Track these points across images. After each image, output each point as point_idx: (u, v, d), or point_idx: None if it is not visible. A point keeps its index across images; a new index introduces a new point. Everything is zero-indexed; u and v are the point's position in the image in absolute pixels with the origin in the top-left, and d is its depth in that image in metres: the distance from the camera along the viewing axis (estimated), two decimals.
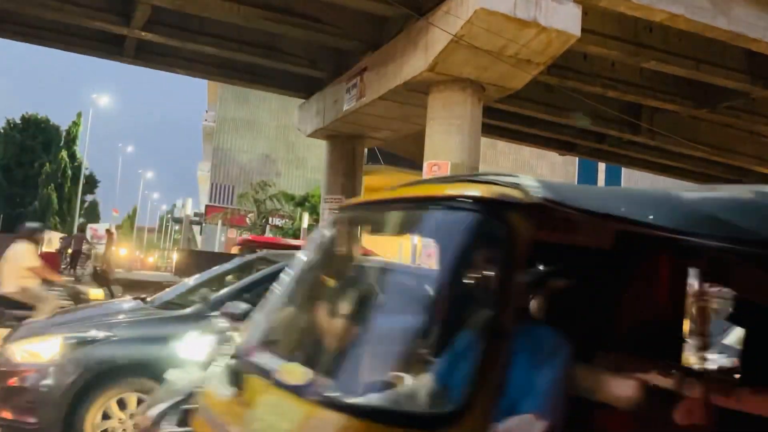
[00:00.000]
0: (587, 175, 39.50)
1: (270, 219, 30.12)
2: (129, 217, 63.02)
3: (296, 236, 26.80)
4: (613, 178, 39.95)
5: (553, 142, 18.87)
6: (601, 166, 38.34)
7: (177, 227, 64.68)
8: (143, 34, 12.85)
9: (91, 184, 32.43)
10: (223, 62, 14.85)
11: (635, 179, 38.82)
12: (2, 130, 35.22)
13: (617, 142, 17.66)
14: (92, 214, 36.60)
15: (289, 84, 15.80)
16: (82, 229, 23.47)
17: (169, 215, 71.58)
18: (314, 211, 26.18)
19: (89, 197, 33.61)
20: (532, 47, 9.50)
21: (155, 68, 15.37)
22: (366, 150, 18.51)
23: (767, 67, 12.38)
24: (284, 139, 36.41)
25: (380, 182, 31.63)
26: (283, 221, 29.84)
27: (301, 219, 25.09)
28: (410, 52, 10.67)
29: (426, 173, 10.70)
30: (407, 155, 29.26)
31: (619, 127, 16.16)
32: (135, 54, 14.24)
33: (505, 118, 16.15)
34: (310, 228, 24.38)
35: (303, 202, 28.38)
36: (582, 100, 14.24)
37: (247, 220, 32.76)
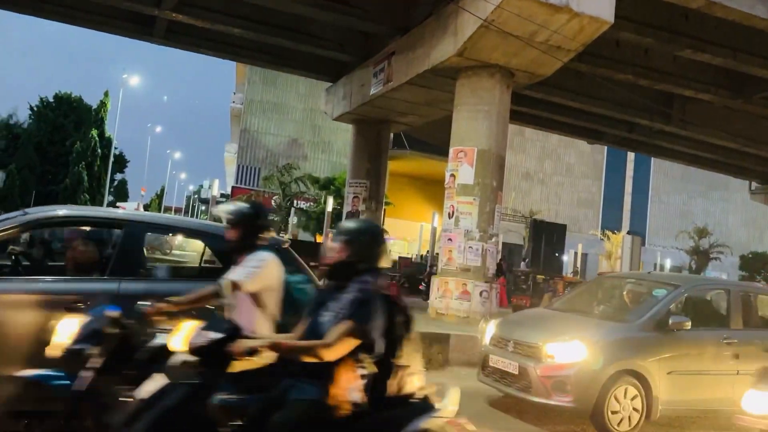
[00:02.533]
0: (616, 165, 38.90)
1: (295, 202, 30.25)
2: (157, 197, 63.84)
3: (320, 220, 26.89)
4: (642, 167, 39.31)
5: (581, 131, 18.61)
6: (630, 156, 37.71)
7: (203, 207, 65.40)
8: (173, 15, 12.92)
9: (120, 163, 32.93)
10: (252, 44, 14.88)
11: (665, 169, 38.16)
12: (36, 109, 35.95)
13: (647, 132, 17.34)
14: (121, 192, 37.17)
15: (316, 67, 15.78)
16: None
17: (196, 195, 72.44)
18: (339, 195, 26.22)
19: (118, 176, 34.12)
20: (563, 33, 9.35)
21: (185, 49, 15.47)
22: (392, 135, 18.46)
23: None
24: (311, 123, 36.43)
25: (406, 167, 31.56)
26: (308, 204, 29.93)
27: (325, 202, 25.16)
28: (439, 37, 10.57)
29: (452, 159, 10.65)
30: (433, 141, 29.12)
31: (649, 117, 15.87)
32: (165, 35, 14.34)
33: (534, 105, 15.95)
34: (334, 212, 24.45)
35: (328, 186, 28.41)
36: (612, 88, 14.01)
37: (273, 202, 32.96)
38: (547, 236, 23.96)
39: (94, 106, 36.06)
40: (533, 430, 5.50)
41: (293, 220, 30.31)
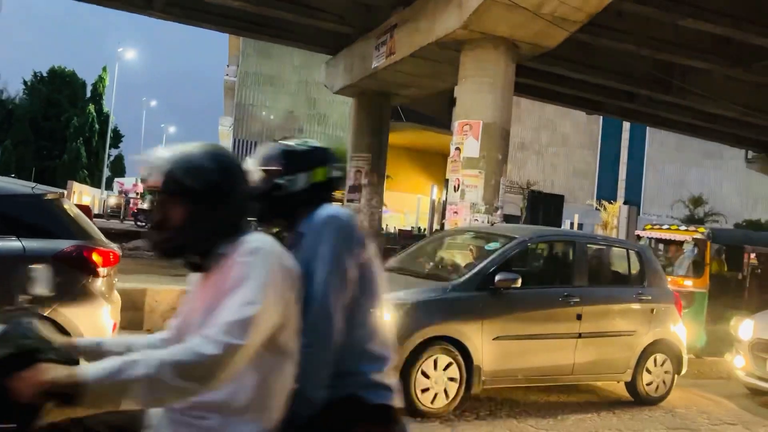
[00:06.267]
0: (612, 134, 38.99)
1: None
2: None
3: None
4: (637, 137, 39.39)
5: (581, 101, 18.64)
6: (626, 126, 37.78)
7: None
8: None
9: (116, 138, 32.71)
10: (251, 17, 14.75)
11: (660, 138, 38.25)
12: (29, 83, 35.53)
13: (647, 102, 17.39)
14: (118, 167, 36.98)
15: (317, 40, 15.69)
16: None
17: None
18: None
19: (114, 151, 33.99)
20: (570, 3, 9.36)
21: (184, 23, 15.34)
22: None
23: None
24: (306, 96, 36.22)
25: (404, 140, 31.62)
26: None
27: None
28: (443, 9, 10.54)
29: (457, 132, 10.70)
30: (430, 112, 29.06)
31: (649, 86, 15.90)
32: (164, 8, 14.20)
33: (534, 76, 15.93)
34: None
35: None
36: (613, 58, 14.02)
37: None
38: (545, 207, 24.13)
39: (89, 81, 35.82)
40: None
41: None
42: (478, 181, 10.23)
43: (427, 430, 4.46)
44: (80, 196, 22.17)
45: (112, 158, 32.99)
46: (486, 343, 4.80)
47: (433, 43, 10.99)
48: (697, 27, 12.44)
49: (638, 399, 5.65)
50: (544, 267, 6.01)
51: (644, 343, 5.61)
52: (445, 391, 4.67)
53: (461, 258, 5.97)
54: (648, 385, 5.64)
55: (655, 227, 8.38)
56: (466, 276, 5.03)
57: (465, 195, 10.29)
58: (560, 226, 26.96)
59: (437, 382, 4.64)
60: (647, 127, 35.03)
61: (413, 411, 4.54)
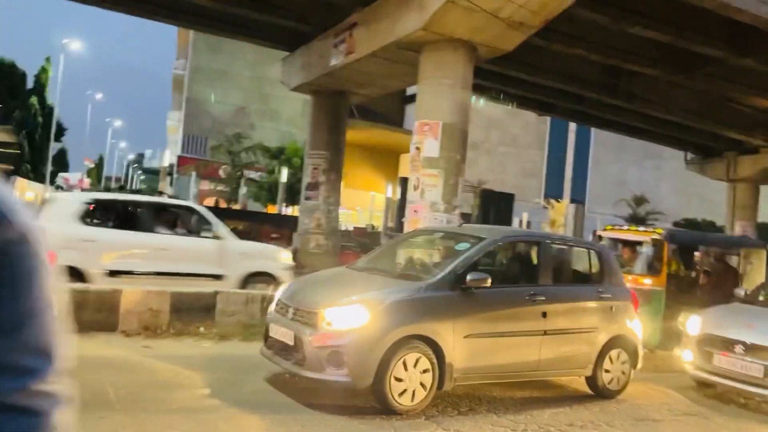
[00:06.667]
0: (558, 135, 40.10)
1: (244, 172, 29.93)
2: (96, 166, 61.67)
3: (272, 190, 26.76)
4: (582, 138, 40.66)
5: (533, 103, 19.13)
6: (572, 126, 38.93)
7: (143, 177, 63.58)
8: None
9: (59, 131, 31.58)
10: (207, 11, 14.53)
11: (603, 139, 39.54)
12: None
13: (595, 105, 17.99)
14: (61, 162, 35.68)
15: (274, 36, 15.60)
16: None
17: (136, 165, 70.21)
18: (289, 165, 26.11)
19: (57, 145, 32.73)
20: (528, 8, 9.63)
21: (138, 15, 14.97)
22: None
23: (746, 35, 12.74)
24: (258, 91, 35.86)
25: (356, 137, 31.77)
26: (259, 174, 29.68)
27: (279, 173, 25.01)
28: (404, 10, 10.67)
29: (416, 132, 10.85)
30: (382, 110, 29.23)
31: (598, 90, 16.47)
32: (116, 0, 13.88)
33: (487, 78, 16.26)
34: (289, 182, 24.36)
35: (278, 155, 28.25)
36: (565, 62, 14.47)
37: (221, 172, 32.52)
38: (496, 205, 24.67)
39: (30, 72, 34.38)
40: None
41: (243, 190, 30.04)
42: (438, 181, 10.42)
43: (413, 427, 4.56)
44: (23, 192, 21.34)
45: (55, 152, 31.83)
46: (457, 341, 4.91)
47: (393, 43, 11.11)
48: (644, 35, 12.97)
49: (598, 392, 5.85)
50: (512, 267, 6.17)
51: (604, 339, 5.80)
52: (419, 388, 4.75)
53: (431, 258, 6.12)
54: (607, 379, 5.83)
55: (615, 228, 8.75)
56: (439, 276, 5.13)
57: (425, 194, 10.47)
58: (510, 224, 27.63)
59: (411, 379, 4.73)
60: (592, 129, 36.17)
61: (388, 409, 4.62)
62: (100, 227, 7.80)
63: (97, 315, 5.71)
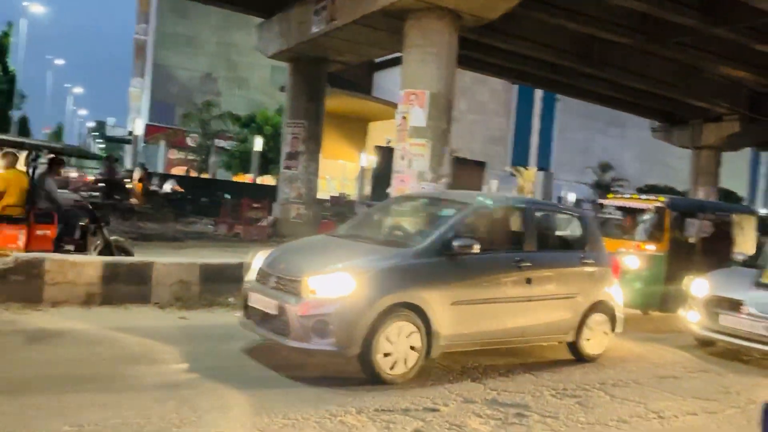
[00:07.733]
0: (525, 103, 40.43)
1: (215, 141, 29.53)
2: (55, 135, 59.75)
3: (246, 159, 26.49)
4: (548, 105, 41.10)
5: (508, 71, 19.26)
6: (538, 94, 39.26)
7: (104, 146, 61.95)
8: None
9: (19, 98, 30.44)
10: None
11: (569, 107, 40.07)
12: None
13: (569, 73, 18.21)
14: (23, 130, 34.43)
15: (250, 3, 15.34)
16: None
17: (96, 133, 68.28)
18: (260, 133, 25.82)
19: (17, 113, 31.60)
20: None
21: None
22: None
23: (718, 5, 13.09)
24: (225, 58, 35.14)
25: (330, 105, 31.53)
26: (230, 143, 29.31)
27: (252, 141, 24.73)
28: None
29: (403, 101, 10.89)
30: (352, 78, 28.98)
31: (571, 58, 16.67)
32: None
33: (464, 47, 16.27)
34: (263, 151, 24.14)
35: (249, 124, 27.91)
36: (540, 30, 14.62)
37: (189, 140, 32.00)
38: (467, 173, 24.97)
39: None
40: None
41: (213, 158, 29.68)
42: (425, 150, 10.53)
43: (399, 395, 4.43)
44: None
45: (15, 120, 30.77)
46: (445, 308, 4.84)
47: (378, 11, 11.07)
48: (620, 3, 13.17)
49: (578, 357, 5.90)
50: (497, 233, 5.96)
51: (586, 304, 5.86)
52: (408, 355, 4.69)
53: (415, 224, 5.97)
54: (588, 344, 5.91)
55: (618, 196, 9.01)
56: (427, 242, 5.01)
57: (412, 164, 10.58)
58: (481, 191, 28.02)
59: (399, 349, 4.65)
60: (557, 97, 36.58)
61: (376, 379, 4.55)
62: None
63: (128, 287, 5.71)
